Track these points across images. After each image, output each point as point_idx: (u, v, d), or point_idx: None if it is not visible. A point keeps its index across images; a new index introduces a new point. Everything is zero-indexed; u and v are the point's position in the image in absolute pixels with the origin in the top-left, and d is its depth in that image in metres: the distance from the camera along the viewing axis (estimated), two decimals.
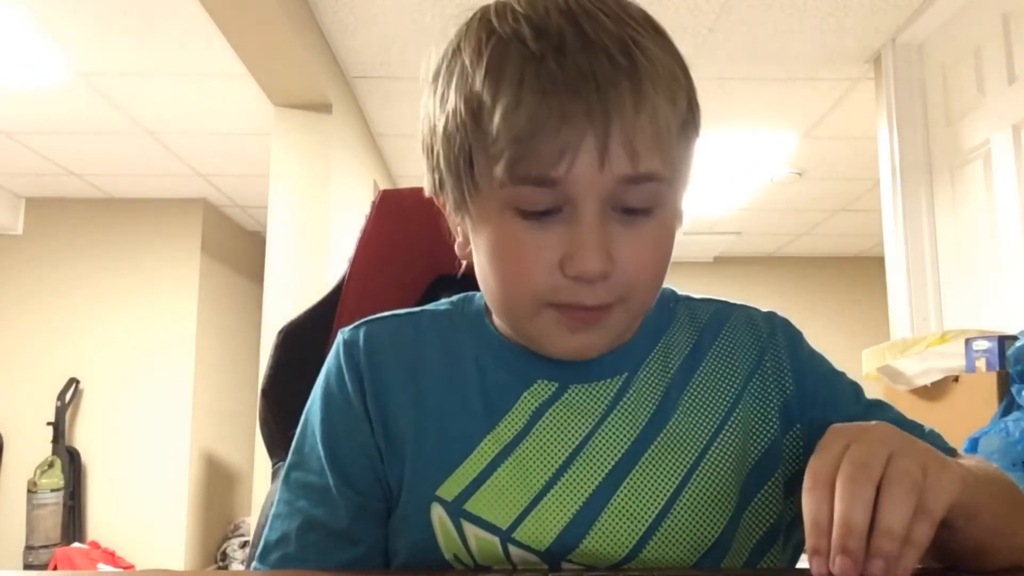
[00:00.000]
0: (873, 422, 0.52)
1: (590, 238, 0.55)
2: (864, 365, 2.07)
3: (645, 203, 0.57)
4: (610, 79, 0.53)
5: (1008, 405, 1.63)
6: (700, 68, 3.01)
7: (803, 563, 0.67)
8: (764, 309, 0.72)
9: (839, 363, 0.72)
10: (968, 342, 1.79)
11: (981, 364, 1.75)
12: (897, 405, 0.70)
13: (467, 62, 0.57)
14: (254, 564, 0.66)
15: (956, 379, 1.81)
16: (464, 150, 0.57)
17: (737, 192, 4.44)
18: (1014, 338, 1.67)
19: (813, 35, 2.70)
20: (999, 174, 2.23)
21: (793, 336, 0.71)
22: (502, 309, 0.62)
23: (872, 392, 0.72)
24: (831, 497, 0.47)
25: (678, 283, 0.72)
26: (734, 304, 0.72)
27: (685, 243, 5.38)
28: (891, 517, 0.45)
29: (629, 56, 0.54)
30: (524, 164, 0.54)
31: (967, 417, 1.69)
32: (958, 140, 2.43)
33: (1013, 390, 1.61)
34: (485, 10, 0.59)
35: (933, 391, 1.86)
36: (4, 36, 2.72)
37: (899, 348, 2.01)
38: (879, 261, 2.82)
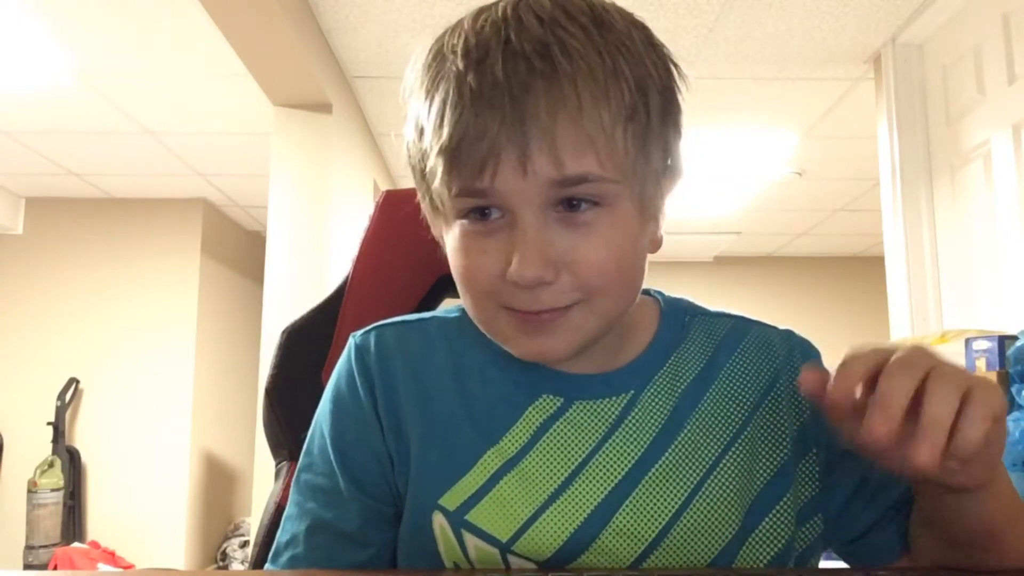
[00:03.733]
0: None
1: (525, 245, 0.55)
2: None
3: (589, 206, 0.56)
4: (524, 85, 0.53)
5: (1008, 405, 1.63)
6: (700, 68, 3.02)
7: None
8: (781, 327, 0.71)
9: (839, 362, 0.71)
10: (968, 342, 1.79)
11: (981, 364, 1.75)
12: None
13: (421, 84, 0.59)
14: (267, 565, 0.66)
15: None
16: (417, 169, 0.60)
17: (737, 192, 4.44)
18: (1014, 338, 1.67)
19: (813, 35, 2.71)
20: (999, 174, 2.24)
21: (812, 359, 0.69)
22: (470, 312, 0.63)
23: None
24: (853, 384, 0.47)
25: (678, 283, 0.72)
26: (751, 321, 0.71)
27: (685, 243, 5.38)
28: (938, 404, 0.45)
29: (548, 58, 0.53)
30: (452, 177, 0.55)
31: None
32: (958, 140, 2.43)
33: (1013, 390, 1.61)
34: (447, 28, 0.60)
35: None
36: (4, 36, 2.72)
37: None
38: (879, 261, 2.83)
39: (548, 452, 0.63)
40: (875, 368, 0.48)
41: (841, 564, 0.67)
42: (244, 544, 4.87)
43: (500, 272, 0.56)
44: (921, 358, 0.47)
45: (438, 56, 0.58)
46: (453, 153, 0.54)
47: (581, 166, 0.54)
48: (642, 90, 0.56)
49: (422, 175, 0.59)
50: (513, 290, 0.56)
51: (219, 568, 4.73)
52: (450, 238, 0.60)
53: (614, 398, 0.64)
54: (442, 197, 0.58)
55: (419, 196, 0.64)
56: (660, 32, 0.61)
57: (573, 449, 0.63)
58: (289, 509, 0.66)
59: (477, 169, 0.54)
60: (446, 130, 0.54)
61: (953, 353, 1.84)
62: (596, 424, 0.64)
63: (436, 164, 0.56)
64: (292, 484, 0.67)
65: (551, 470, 0.62)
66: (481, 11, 0.58)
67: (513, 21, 0.55)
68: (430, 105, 0.56)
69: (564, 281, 0.56)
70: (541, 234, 0.55)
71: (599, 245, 0.56)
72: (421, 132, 0.58)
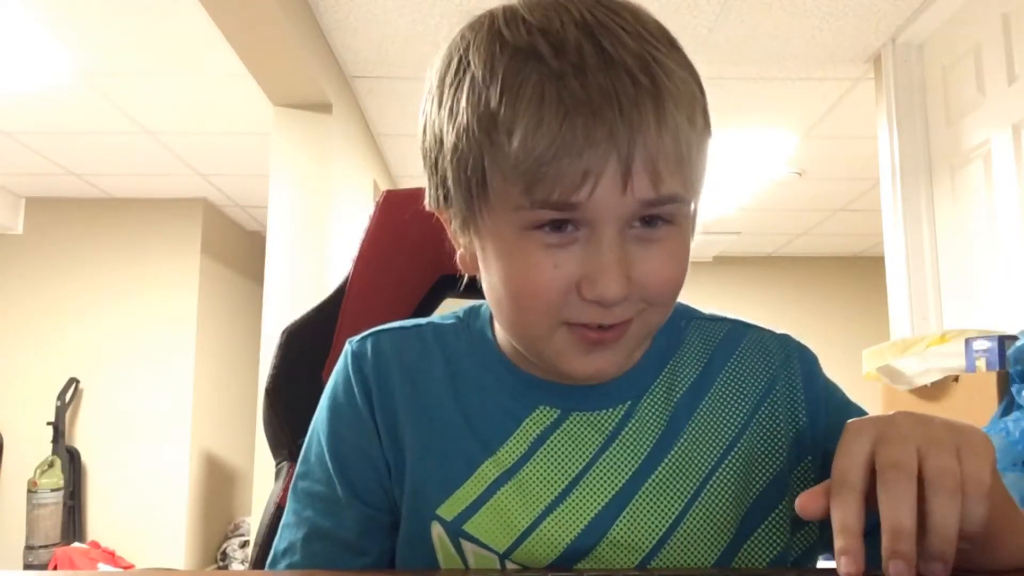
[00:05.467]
0: (890, 413, 0.51)
1: (610, 262, 0.53)
2: (864, 365, 2.07)
3: (663, 223, 0.55)
4: (633, 100, 0.50)
5: (1008, 405, 1.63)
6: (700, 68, 3.00)
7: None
8: (778, 331, 0.70)
9: (839, 363, 0.71)
10: (968, 342, 1.79)
11: (981, 364, 1.75)
12: (897, 405, 0.70)
13: (479, 75, 0.53)
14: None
15: (956, 379, 1.81)
16: (477, 170, 0.54)
17: (737, 192, 4.45)
18: (1014, 338, 1.67)
19: (813, 35, 2.71)
20: (999, 174, 2.24)
21: (809, 364, 0.68)
22: (516, 330, 0.60)
23: (872, 392, 0.72)
24: (858, 500, 0.46)
25: None
26: (748, 325, 0.70)
27: None
28: (943, 520, 0.44)
29: (650, 75, 0.51)
30: (544, 187, 0.51)
31: (967, 417, 1.68)
32: (958, 140, 2.43)
33: (1013, 390, 1.61)
34: (492, 18, 0.56)
35: (933, 391, 1.86)
36: (4, 36, 2.72)
37: (899, 348, 2.01)
38: (879, 261, 2.83)
39: (546, 463, 0.62)
40: (868, 479, 0.46)
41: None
42: (244, 544, 4.87)
43: (572, 287, 0.54)
44: (904, 462, 0.46)
45: (505, 48, 0.53)
46: (553, 161, 0.50)
47: (672, 186, 0.53)
48: (705, 112, 0.56)
49: (481, 181, 0.54)
50: (583, 305, 0.55)
51: (219, 568, 4.73)
52: (504, 250, 0.56)
53: (611, 409, 0.64)
54: (509, 206, 0.53)
55: (443, 200, 0.58)
56: None
57: (571, 460, 0.63)
58: (286, 517, 0.66)
59: (577, 181, 0.51)
60: (546, 135, 0.50)
61: (953, 353, 1.84)
62: (593, 435, 0.63)
63: (523, 170, 0.51)
64: (289, 491, 0.67)
65: (549, 481, 0.62)
66: (539, 3, 0.55)
67: (598, 25, 0.52)
68: (515, 104, 0.51)
69: (634, 295, 0.55)
70: (622, 251, 0.53)
71: (669, 260, 0.56)
72: (491, 132, 0.52)
